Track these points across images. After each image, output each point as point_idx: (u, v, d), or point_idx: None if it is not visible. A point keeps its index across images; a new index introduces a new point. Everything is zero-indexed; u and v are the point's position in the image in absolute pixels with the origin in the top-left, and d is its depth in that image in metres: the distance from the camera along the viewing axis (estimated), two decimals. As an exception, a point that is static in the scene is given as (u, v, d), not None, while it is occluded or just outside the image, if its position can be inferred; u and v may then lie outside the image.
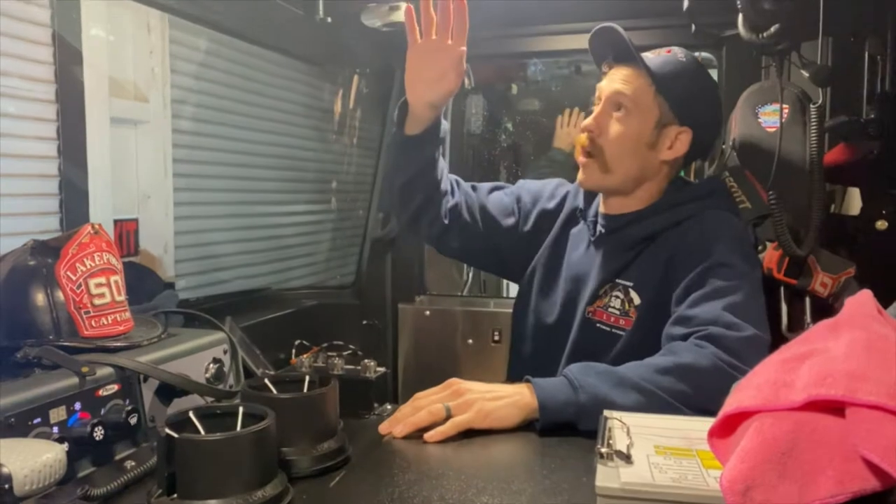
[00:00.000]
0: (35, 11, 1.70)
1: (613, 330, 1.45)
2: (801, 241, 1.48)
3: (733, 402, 0.78)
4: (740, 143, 1.60)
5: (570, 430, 1.17)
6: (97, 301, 1.17)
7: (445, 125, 1.52)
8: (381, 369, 1.41)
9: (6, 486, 0.69)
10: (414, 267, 2.50)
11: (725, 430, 0.79)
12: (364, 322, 2.41)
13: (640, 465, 0.90)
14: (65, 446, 0.87)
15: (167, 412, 1.14)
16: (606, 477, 0.86)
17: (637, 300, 1.42)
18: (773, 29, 1.37)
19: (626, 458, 0.92)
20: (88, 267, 1.17)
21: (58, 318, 1.13)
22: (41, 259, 1.15)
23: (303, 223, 2.85)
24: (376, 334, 2.41)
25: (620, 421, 1.01)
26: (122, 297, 1.22)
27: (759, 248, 1.56)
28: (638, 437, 0.98)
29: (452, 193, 1.60)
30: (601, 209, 1.54)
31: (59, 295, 1.13)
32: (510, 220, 1.66)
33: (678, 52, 1.47)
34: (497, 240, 1.65)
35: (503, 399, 1.18)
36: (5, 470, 0.70)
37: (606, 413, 1.05)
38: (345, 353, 1.70)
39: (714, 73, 2.33)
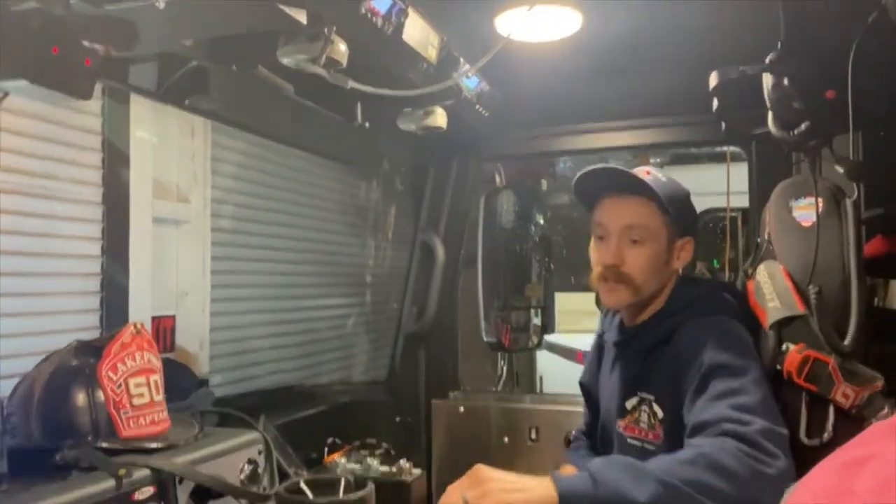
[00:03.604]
0: (87, 120, 1.79)
1: (645, 445, 1.48)
2: (843, 338, 1.45)
3: (791, 508, 0.75)
4: (775, 239, 1.59)
5: None
6: (136, 401, 1.18)
7: None
8: (417, 471, 1.38)
9: None
10: (448, 361, 2.48)
11: (784, 538, 0.75)
12: (397, 419, 2.38)
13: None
14: (100, 553, 0.85)
15: (201, 516, 1.12)
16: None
17: (660, 413, 1.46)
18: (803, 126, 1.38)
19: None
20: (129, 367, 1.19)
21: (97, 418, 1.14)
22: (84, 359, 1.17)
23: (336, 317, 2.86)
24: (410, 431, 2.37)
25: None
26: (160, 397, 1.23)
27: (783, 348, 1.53)
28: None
29: None
30: (622, 322, 1.62)
31: (100, 395, 1.15)
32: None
33: (656, 172, 1.55)
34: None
35: (522, 492, 1.19)
36: (42, 580, 0.69)
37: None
38: (378, 451, 1.67)
39: (744, 167, 2.36)
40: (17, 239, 1.64)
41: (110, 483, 1.01)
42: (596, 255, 1.53)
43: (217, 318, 2.29)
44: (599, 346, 1.73)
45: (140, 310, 1.94)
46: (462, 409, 2.39)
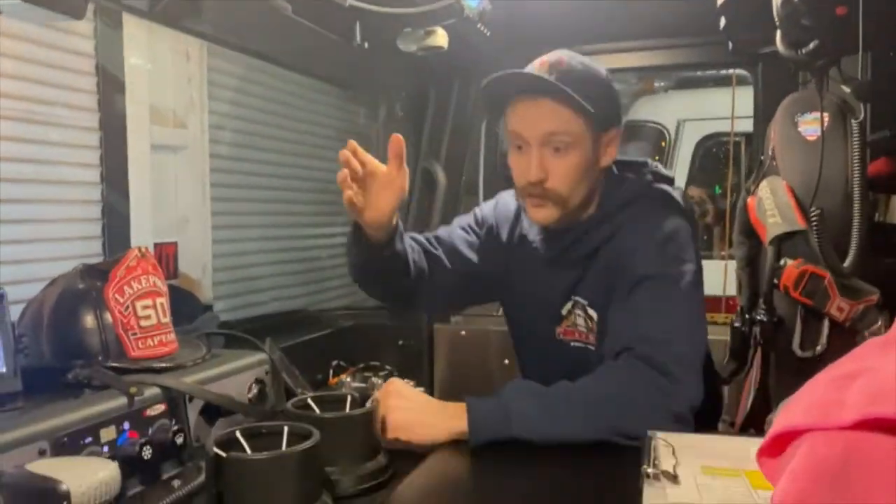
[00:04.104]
0: (79, 42, 1.76)
1: (588, 346, 1.47)
2: (843, 256, 1.46)
3: (782, 420, 0.77)
4: (779, 153, 1.58)
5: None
6: (144, 323, 1.19)
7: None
8: (420, 389, 1.41)
9: (64, 503, 0.71)
10: (449, 287, 2.50)
11: (775, 449, 0.78)
12: (400, 342, 2.42)
13: (688, 486, 0.89)
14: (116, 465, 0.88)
15: (211, 432, 1.16)
16: (654, 497, 0.86)
17: (595, 317, 1.43)
18: (811, 45, 1.36)
19: (673, 478, 0.91)
20: (135, 289, 1.20)
21: (106, 339, 1.15)
22: (90, 282, 1.18)
23: (338, 245, 2.88)
24: (412, 355, 2.42)
25: (666, 441, 1.00)
26: (167, 319, 1.24)
27: (781, 263, 1.54)
28: (684, 457, 0.96)
29: (420, 271, 1.53)
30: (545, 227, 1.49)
31: (108, 317, 1.16)
32: (475, 252, 1.62)
33: (569, 59, 1.37)
34: (475, 276, 1.61)
35: (428, 415, 1.20)
36: (64, 487, 0.71)
37: (650, 433, 1.04)
38: (381, 373, 1.70)
39: (750, 91, 2.32)
40: (16, 166, 1.63)
41: (122, 401, 1.04)
42: (516, 168, 1.39)
43: (219, 246, 2.30)
44: (519, 240, 1.56)
45: (142, 236, 1.95)
46: (464, 332, 2.43)
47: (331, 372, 1.86)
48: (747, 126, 2.58)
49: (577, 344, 1.48)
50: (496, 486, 1.06)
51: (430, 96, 2.43)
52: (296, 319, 2.32)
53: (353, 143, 1.31)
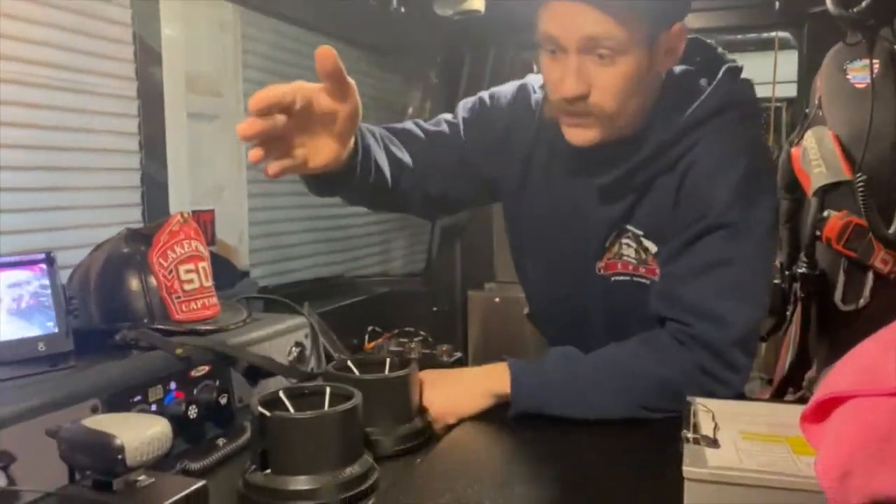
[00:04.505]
0: (115, 11, 1.77)
1: (634, 278, 1.25)
2: (888, 218, 1.43)
3: (827, 387, 0.77)
4: (826, 103, 1.54)
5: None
6: (187, 286, 1.22)
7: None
8: (458, 354, 1.43)
9: (119, 456, 0.74)
10: (483, 254, 2.51)
11: (819, 415, 0.77)
12: (434, 309, 2.44)
13: (728, 450, 0.89)
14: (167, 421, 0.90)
15: (253, 393, 1.18)
16: (694, 461, 0.85)
17: (653, 248, 1.22)
18: (864, 3, 1.31)
19: (714, 442, 0.90)
20: (178, 254, 1.22)
21: (151, 302, 1.18)
22: (135, 246, 1.21)
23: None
24: (447, 321, 2.43)
25: (705, 406, 1.00)
26: (209, 283, 1.27)
27: (825, 214, 1.51)
28: (724, 422, 0.96)
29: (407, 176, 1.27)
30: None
31: (152, 280, 1.19)
32: (479, 156, 1.35)
33: None
34: (478, 181, 1.38)
35: (468, 391, 1.15)
36: (118, 441, 0.74)
37: (690, 398, 1.04)
38: (416, 339, 1.72)
39: (791, 56, 2.26)
40: (58, 134, 1.65)
41: (169, 361, 1.07)
42: (549, 78, 1.13)
43: (255, 213, 2.33)
44: (550, 155, 1.29)
45: (180, 204, 1.98)
46: (498, 299, 2.44)
47: (366, 337, 1.88)
48: (788, 91, 2.52)
49: (621, 278, 1.26)
50: (532, 449, 1.07)
51: (465, 62, 2.41)
52: (331, 286, 2.34)
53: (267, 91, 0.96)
